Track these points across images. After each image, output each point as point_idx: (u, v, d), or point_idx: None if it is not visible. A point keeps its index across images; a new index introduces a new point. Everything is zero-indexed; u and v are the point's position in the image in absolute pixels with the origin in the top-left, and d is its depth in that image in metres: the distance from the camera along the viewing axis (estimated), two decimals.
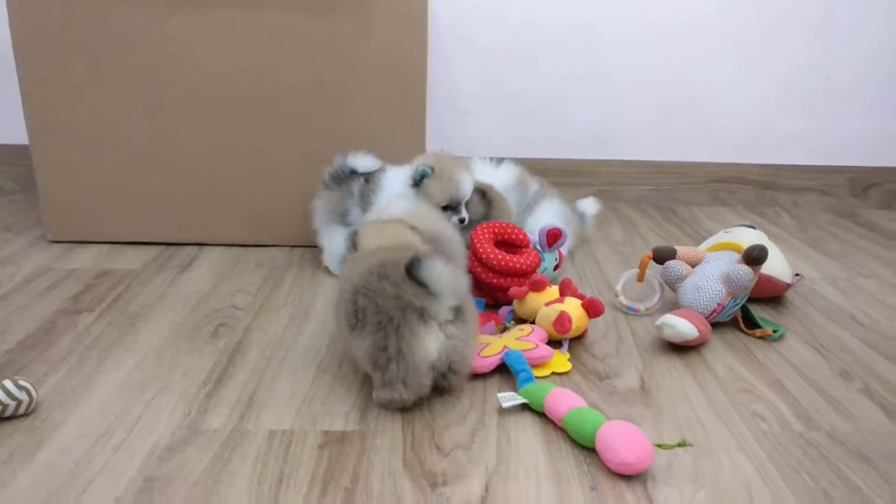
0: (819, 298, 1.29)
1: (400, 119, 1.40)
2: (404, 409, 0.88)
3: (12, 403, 0.83)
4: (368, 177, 1.29)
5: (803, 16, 1.78)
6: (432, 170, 1.23)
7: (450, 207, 1.25)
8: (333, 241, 1.30)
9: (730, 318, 1.13)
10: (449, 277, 0.83)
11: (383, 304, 0.82)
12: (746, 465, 0.80)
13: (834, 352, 1.08)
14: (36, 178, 1.42)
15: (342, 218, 1.30)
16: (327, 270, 1.34)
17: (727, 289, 1.10)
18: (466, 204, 1.26)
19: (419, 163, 1.24)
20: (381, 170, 1.30)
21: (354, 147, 1.34)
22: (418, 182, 1.24)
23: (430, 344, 0.84)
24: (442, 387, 0.89)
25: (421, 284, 0.82)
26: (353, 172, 1.29)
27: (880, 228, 1.75)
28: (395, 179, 1.27)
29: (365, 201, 1.27)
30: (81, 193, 1.42)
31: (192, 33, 1.33)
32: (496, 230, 1.20)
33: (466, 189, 1.24)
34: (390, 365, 0.83)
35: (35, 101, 1.36)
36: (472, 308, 0.90)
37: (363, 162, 1.29)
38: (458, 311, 0.86)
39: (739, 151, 1.88)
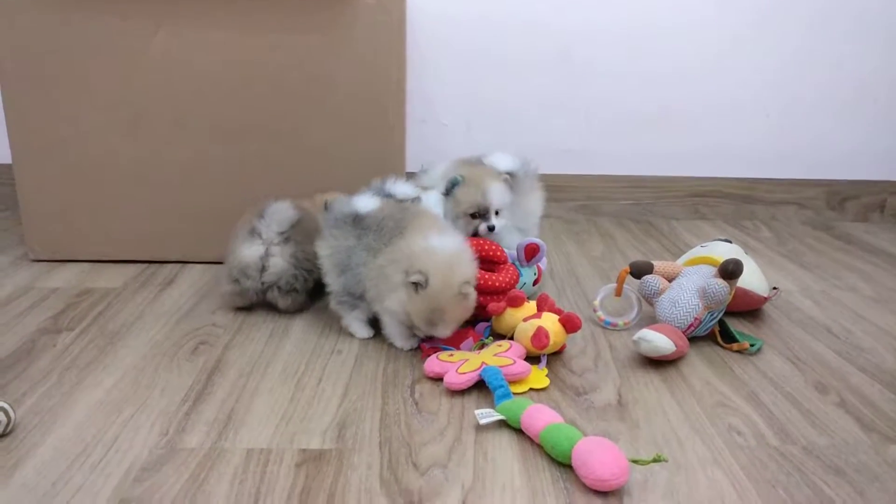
0: (796, 311, 1.31)
1: (379, 133, 1.41)
2: (382, 426, 0.88)
3: None
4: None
5: (777, 30, 1.81)
6: (463, 178, 1.27)
7: (478, 215, 1.28)
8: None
9: (707, 332, 1.15)
10: (280, 212, 1.21)
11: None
12: (722, 479, 0.81)
13: (810, 364, 1.10)
14: (18, 197, 1.42)
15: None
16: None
17: (703, 303, 1.11)
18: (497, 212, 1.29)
19: (453, 173, 1.29)
20: (417, 197, 1.25)
21: (334, 161, 1.35)
22: (449, 191, 1.28)
23: (246, 251, 1.19)
24: (276, 303, 1.21)
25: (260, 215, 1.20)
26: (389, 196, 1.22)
27: (857, 241, 1.78)
28: (433, 200, 1.28)
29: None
30: (64, 212, 1.42)
31: (173, 53, 1.34)
32: (475, 247, 1.21)
33: (495, 198, 1.27)
34: (226, 262, 1.22)
35: (17, 119, 1.37)
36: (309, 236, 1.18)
37: (403, 188, 1.23)
38: (285, 238, 1.19)
39: (718, 165, 1.91)
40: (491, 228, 1.27)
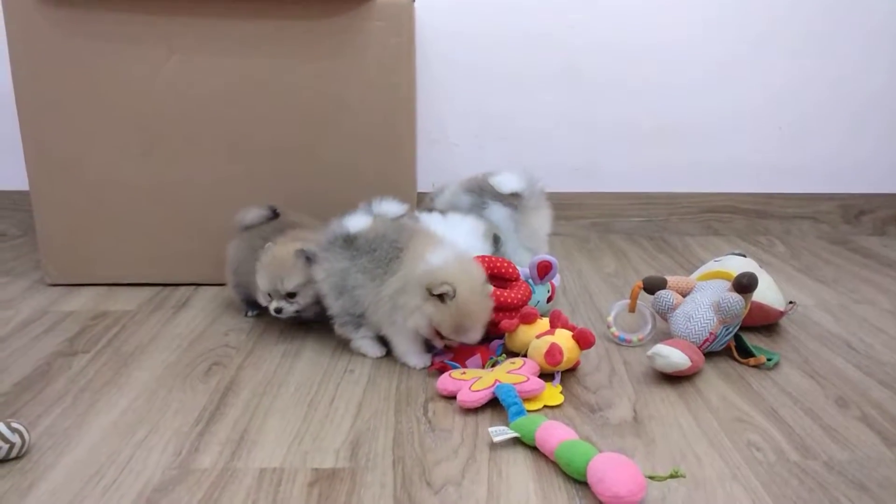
0: (813, 325, 1.29)
1: (390, 152, 1.42)
2: (395, 445, 0.88)
3: (5, 447, 0.83)
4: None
5: (789, 43, 1.82)
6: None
7: None
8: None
9: (723, 346, 1.13)
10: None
11: None
12: (742, 495, 0.79)
13: (830, 379, 1.08)
14: (35, 222, 1.44)
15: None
16: None
17: (718, 317, 1.10)
18: None
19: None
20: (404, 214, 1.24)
21: (346, 182, 1.36)
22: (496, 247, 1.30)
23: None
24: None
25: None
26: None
27: (874, 255, 1.76)
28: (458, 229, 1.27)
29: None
30: (79, 237, 1.44)
31: (186, 76, 1.36)
32: (487, 264, 1.20)
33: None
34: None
35: (35, 145, 1.39)
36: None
37: (390, 206, 1.21)
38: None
39: (730, 181, 1.90)
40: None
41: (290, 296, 1.17)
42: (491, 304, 1.09)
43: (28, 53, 1.35)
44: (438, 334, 1.05)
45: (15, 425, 0.85)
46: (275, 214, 1.32)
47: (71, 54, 1.35)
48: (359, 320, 1.12)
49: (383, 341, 1.14)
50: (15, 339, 1.20)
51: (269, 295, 1.18)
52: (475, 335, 1.06)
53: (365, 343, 1.14)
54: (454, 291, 1.01)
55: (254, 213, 1.31)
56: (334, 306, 1.13)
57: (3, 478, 0.81)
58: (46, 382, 1.05)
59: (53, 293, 1.42)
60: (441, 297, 1.02)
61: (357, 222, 1.13)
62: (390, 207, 1.19)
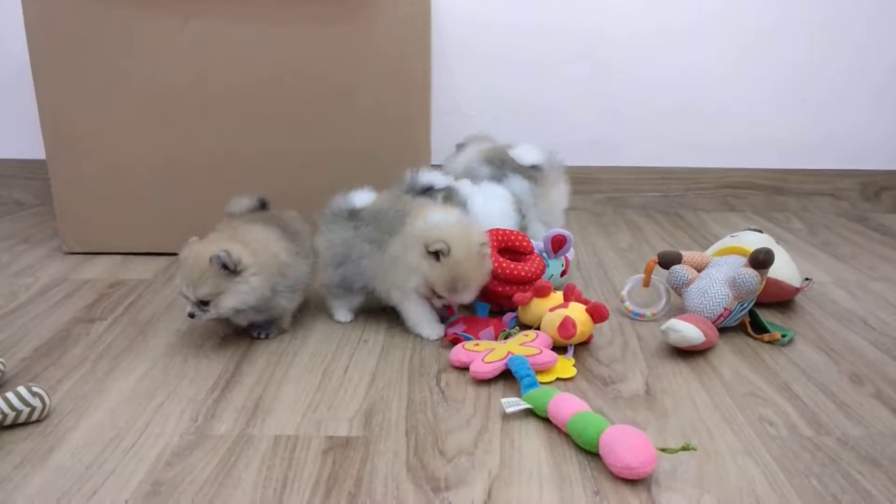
0: (829, 302, 1.28)
1: (404, 124, 1.41)
2: (408, 414, 0.89)
3: (26, 409, 0.85)
4: (448, 192, 1.24)
5: (811, 18, 1.78)
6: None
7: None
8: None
9: (737, 322, 1.13)
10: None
11: None
12: (753, 469, 0.79)
13: (844, 356, 1.07)
14: (52, 192, 1.45)
15: None
16: None
17: (733, 293, 1.09)
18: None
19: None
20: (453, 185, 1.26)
21: (359, 154, 1.35)
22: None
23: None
24: None
25: None
26: (430, 189, 1.22)
27: (893, 232, 1.73)
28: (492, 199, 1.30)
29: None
30: (95, 206, 1.45)
31: (203, 46, 1.36)
32: (500, 237, 1.20)
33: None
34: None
35: (51, 115, 1.40)
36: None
37: (438, 178, 1.23)
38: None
39: (748, 156, 1.87)
40: None
41: (203, 303, 1.02)
42: (488, 266, 1.09)
43: (44, 24, 1.34)
44: (434, 293, 1.06)
45: (36, 389, 0.87)
46: (262, 206, 1.21)
47: (86, 25, 1.34)
48: (347, 294, 1.15)
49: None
50: (34, 306, 1.22)
51: (185, 296, 1.04)
52: (468, 296, 1.07)
53: (339, 309, 1.18)
54: (448, 249, 1.02)
55: (241, 203, 1.21)
56: (333, 276, 1.15)
57: (25, 440, 0.83)
58: (66, 348, 1.07)
59: (71, 261, 1.44)
60: (437, 255, 1.03)
61: (362, 198, 1.15)
62: (435, 178, 1.22)
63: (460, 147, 1.49)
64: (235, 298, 1.02)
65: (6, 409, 0.84)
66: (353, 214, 1.13)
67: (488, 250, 1.09)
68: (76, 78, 1.37)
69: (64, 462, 0.79)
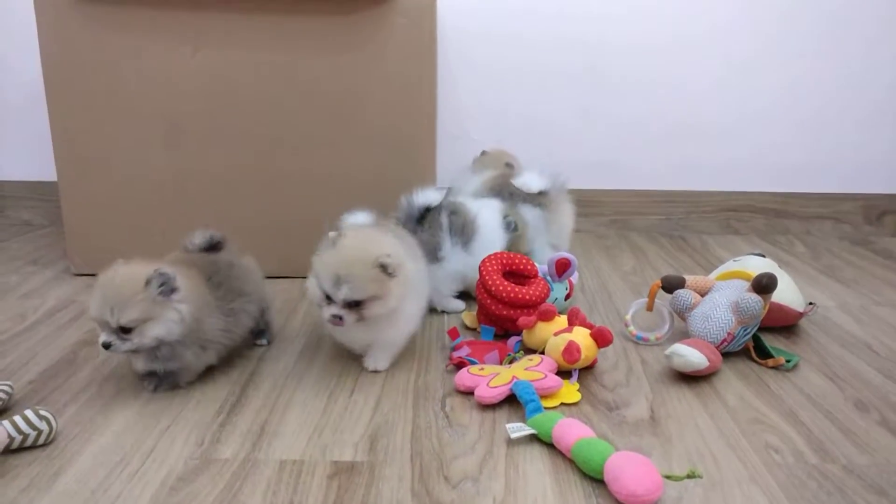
0: (834, 327, 1.28)
1: (410, 146, 1.43)
2: (413, 439, 0.89)
3: (33, 433, 0.85)
4: (452, 207, 1.28)
5: (813, 42, 1.80)
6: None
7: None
8: (435, 279, 1.25)
9: (741, 347, 1.13)
10: None
11: None
12: (759, 497, 0.79)
13: (849, 381, 1.07)
14: (62, 213, 1.47)
15: (435, 255, 1.26)
16: None
17: (737, 317, 1.10)
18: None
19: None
20: (450, 200, 1.30)
21: (365, 176, 1.37)
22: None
23: None
24: None
25: None
26: (428, 209, 1.26)
27: None
28: (484, 208, 1.32)
29: (456, 231, 1.27)
30: (105, 228, 1.46)
31: (212, 71, 1.38)
32: (504, 261, 1.21)
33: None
34: None
35: (63, 138, 1.42)
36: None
37: (432, 196, 1.27)
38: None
39: (750, 180, 1.88)
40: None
41: (125, 331, 0.93)
42: (385, 281, 0.99)
43: (58, 49, 1.37)
44: (325, 294, 1.00)
45: (43, 412, 0.87)
46: (212, 247, 1.13)
47: (99, 50, 1.37)
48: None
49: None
50: (42, 328, 1.23)
51: (103, 322, 0.94)
52: (346, 293, 0.97)
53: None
54: (335, 241, 1.00)
55: (198, 237, 1.13)
56: None
57: (31, 464, 0.83)
58: (72, 371, 1.07)
59: (79, 283, 1.45)
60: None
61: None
62: (430, 197, 1.26)
63: (477, 161, 1.52)
64: (163, 327, 0.94)
65: (13, 433, 0.84)
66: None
67: (389, 261, 0.98)
68: (89, 102, 1.40)
69: (69, 487, 0.79)
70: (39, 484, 0.80)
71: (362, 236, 1.04)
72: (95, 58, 1.37)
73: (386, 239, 1.05)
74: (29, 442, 0.85)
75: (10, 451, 0.85)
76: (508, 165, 1.58)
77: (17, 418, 0.85)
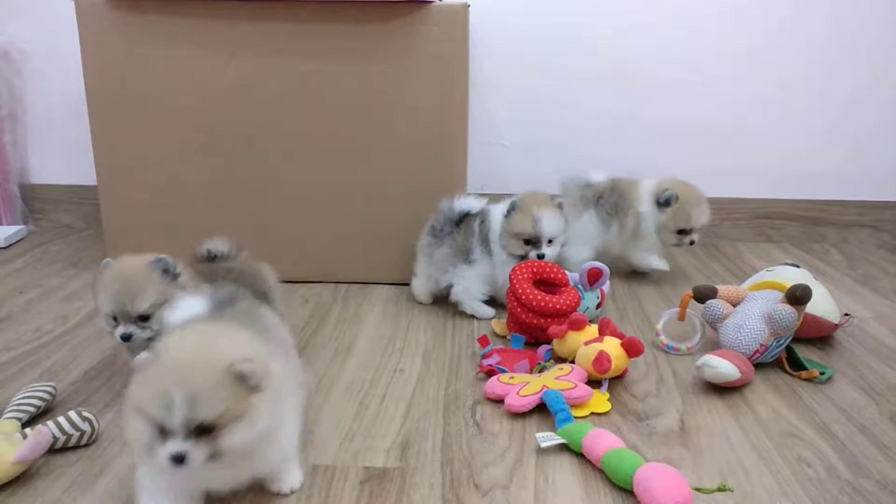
0: (870, 339, 1.26)
1: (442, 152, 1.44)
2: (444, 446, 0.90)
3: (76, 434, 0.88)
4: (482, 215, 1.35)
5: (848, 48, 1.76)
6: (519, 202, 1.32)
7: (530, 242, 1.31)
8: (466, 279, 1.33)
9: (774, 358, 1.12)
10: None
11: None
12: None
13: (885, 395, 1.05)
14: (101, 216, 1.51)
15: (467, 257, 1.33)
16: (374, 307, 1.38)
17: (770, 329, 1.09)
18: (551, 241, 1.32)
19: (514, 197, 1.35)
20: (486, 208, 1.36)
21: (397, 182, 1.39)
22: (509, 212, 1.32)
23: None
24: None
25: None
26: (467, 214, 1.34)
27: None
28: (498, 213, 1.35)
29: (483, 237, 1.34)
30: (143, 233, 1.50)
31: (246, 81, 1.41)
32: (535, 269, 1.22)
33: (546, 227, 1.30)
34: None
35: (103, 143, 1.46)
36: None
37: (473, 203, 1.35)
38: None
39: (785, 187, 1.85)
40: (540, 257, 1.29)
41: (143, 319, 0.94)
42: (239, 392, 0.68)
43: (98, 57, 1.41)
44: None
45: (85, 413, 0.90)
46: (212, 256, 1.13)
47: (138, 59, 1.40)
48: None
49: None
50: (83, 330, 1.27)
51: (114, 318, 0.96)
52: (179, 415, 0.66)
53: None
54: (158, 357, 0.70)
55: (213, 245, 1.14)
56: None
57: (74, 464, 0.86)
58: (113, 372, 1.10)
59: None
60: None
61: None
62: (471, 204, 1.34)
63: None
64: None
65: (57, 433, 0.87)
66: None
67: (254, 378, 0.69)
68: (128, 110, 1.43)
69: (111, 487, 0.82)
70: (82, 483, 0.82)
71: (204, 333, 0.75)
72: (135, 66, 1.41)
73: (240, 336, 0.75)
74: (72, 442, 0.88)
75: (53, 450, 0.87)
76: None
77: (61, 419, 0.88)
